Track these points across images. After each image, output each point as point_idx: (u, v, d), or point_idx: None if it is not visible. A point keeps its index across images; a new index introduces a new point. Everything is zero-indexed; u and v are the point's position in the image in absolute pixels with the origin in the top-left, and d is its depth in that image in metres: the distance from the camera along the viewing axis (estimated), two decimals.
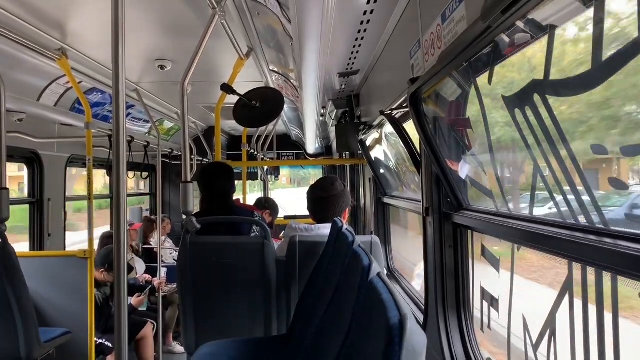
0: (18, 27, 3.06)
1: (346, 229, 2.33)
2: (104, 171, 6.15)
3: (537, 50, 1.19)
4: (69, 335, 3.55)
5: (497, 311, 1.86)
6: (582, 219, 1.16)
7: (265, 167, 8.39)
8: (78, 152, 5.24)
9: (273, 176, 9.48)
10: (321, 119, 5.17)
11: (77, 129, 4.83)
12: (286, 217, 7.37)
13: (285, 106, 4.15)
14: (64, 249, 5.02)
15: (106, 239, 5.39)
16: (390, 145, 3.37)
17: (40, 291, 3.85)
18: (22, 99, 3.94)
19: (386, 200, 3.71)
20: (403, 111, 2.68)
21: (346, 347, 1.34)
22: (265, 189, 9.88)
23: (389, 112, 2.61)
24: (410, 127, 2.65)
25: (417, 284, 3.47)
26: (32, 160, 4.70)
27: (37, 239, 4.74)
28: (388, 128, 3.19)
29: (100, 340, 4.42)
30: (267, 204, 5.29)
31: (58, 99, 4.40)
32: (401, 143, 2.57)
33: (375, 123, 3.16)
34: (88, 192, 3.75)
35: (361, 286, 1.44)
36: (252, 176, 9.08)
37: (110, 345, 4.41)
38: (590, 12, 0.91)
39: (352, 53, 2.99)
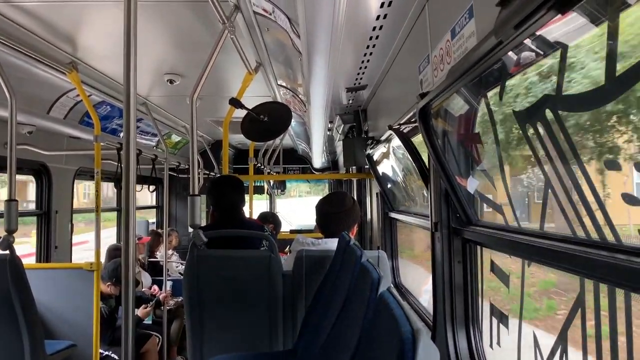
0: (29, 41, 3.10)
1: (353, 243, 2.33)
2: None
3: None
4: (74, 347, 3.54)
5: (507, 328, 1.84)
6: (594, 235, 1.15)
7: (272, 182, 8.40)
8: (86, 165, 5.27)
9: (279, 190, 9.49)
10: (328, 133, 5.19)
11: (85, 141, 4.87)
12: (292, 231, 7.36)
13: (292, 121, 4.16)
14: (71, 262, 5.03)
15: (113, 251, 5.40)
16: (397, 160, 3.37)
17: (46, 303, 3.84)
18: (32, 112, 3.98)
19: (393, 215, 3.70)
20: (411, 126, 2.69)
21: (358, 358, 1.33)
22: (271, 203, 9.90)
23: (397, 126, 2.62)
24: (418, 141, 2.66)
25: (424, 299, 3.44)
26: (40, 172, 4.73)
27: (44, 251, 4.75)
28: (396, 143, 3.19)
29: (107, 353, 4.40)
30: (271, 219, 5.31)
31: (67, 112, 4.45)
32: (409, 158, 2.57)
33: (383, 138, 3.17)
34: (96, 204, 3.77)
35: (370, 301, 1.43)
36: (259, 190, 9.09)
37: (116, 357, 4.38)
38: (603, 28, 0.92)
39: (360, 68, 3.01)
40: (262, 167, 7.01)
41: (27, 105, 3.84)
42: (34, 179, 4.83)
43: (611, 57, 0.90)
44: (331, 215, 3.00)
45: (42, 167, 4.68)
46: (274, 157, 7.27)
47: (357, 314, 1.56)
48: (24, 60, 3.30)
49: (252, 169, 5.57)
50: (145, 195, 7.91)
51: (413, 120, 2.63)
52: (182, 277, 6.18)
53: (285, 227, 8.09)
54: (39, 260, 4.75)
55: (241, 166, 8.62)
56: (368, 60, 2.87)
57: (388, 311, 1.11)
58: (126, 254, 1.76)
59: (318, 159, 7.46)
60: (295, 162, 9.39)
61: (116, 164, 4.63)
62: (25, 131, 4.18)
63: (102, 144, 3.93)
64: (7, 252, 2.86)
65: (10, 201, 2.85)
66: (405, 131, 2.69)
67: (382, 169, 3.84)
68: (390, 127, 2.62)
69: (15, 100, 3.02)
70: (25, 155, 4.30)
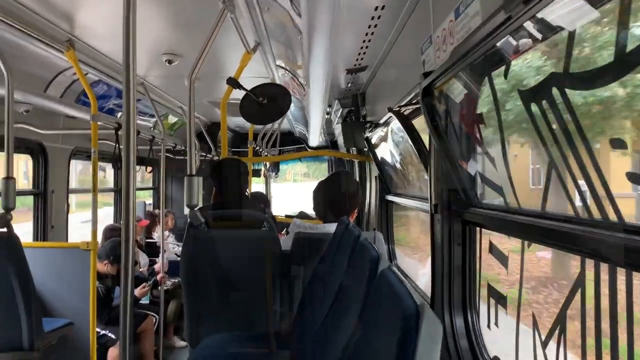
0: (26, 18, 3.06)
1: (352, 225, 2.34)
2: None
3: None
4: (71, 326, 3.55)
5: (505, 309, 1.85)
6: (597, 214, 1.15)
7: (268, 165, 8.36)
8: (83, 145, 5.24)
9: (274, 173, 9.48)
10: (327, 117, 5.16)
11: (82, 121, 4.83)
12: (287, 217, 7.35)
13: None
14: (67, 241, 5.02)
15: (109, 231, 5.39)
16: (395, 144, 3.37)
17: (43, 281, 3.84)
18: (28, 90, 3.93)
19: (390, 197, 3.71)
20: (411, 108, 2.68)
21: (356, 338, 1.34)
22: (267, 186, 9.91)
23: (397, 108, 2.60)
24: (418, 123, 2.65)
25: (421, 283, 3.47)
26: (37, 151, 4.70)
27: (41, 231, 4.74)
28: (395, 125, 3.18)
29: (103, 332, 4.42)
30: (260, 198, 5.33)
31: (64, 90, 4.41)
32: (408, 140, 2.56)
33: (382, 120, 3.16)
34: (93, 185, 3.75)
35: (370, 278, 1.44)
36: (256, 173, 9.07)
37: (113, 336, 4.40)
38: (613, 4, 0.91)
39: (362, 48, 2.98)
40: (260, 149, 6.99)
41: (24, 83, 3.80)
42: None
43: (621, 35, 0.89)
44: (332, 200, 2.96)
45: (38, 146, 4.65)
46: (271, 140, 7.24)
47: (356, 292, 1.57)
48: (21, 37, 3.25)
49: (251, 152, 5.55)
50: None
51: (414, 101, 2.62)
52: (178, 258, 6.22)
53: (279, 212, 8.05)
54: (35, 240, 4.74)
55: (237, 149, 8.59)
56: (369, 40, 2.84)
57: (389, 288, 1.12)
58: (126, 235, 1.75)
59: (315, 140, 7.43)
60: (291, 143, 9.33)
61: (113, 144, 4.60)
62: (22, 110, 4.14)
63: (99, 123, 3.90)
64: (5, 229, 2.86)
65: (8, 179, 2.83)
66: (405, 113, 2.68)
67: (380, 152, 3.84)
68: (390, 109, 2.61)
69: (12, 78, 2.98)
70: (22, 134, 4.27)
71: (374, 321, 1.21)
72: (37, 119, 4.37)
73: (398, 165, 3.48)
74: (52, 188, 4.80)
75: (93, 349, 3.73)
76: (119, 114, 5.68)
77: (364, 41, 2.84)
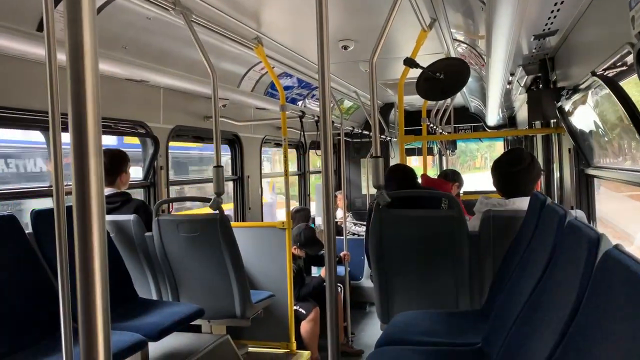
0: (222, 21, 3.39)
1: (551, 202, 2.18)
2: None
3: None
4: (273, 298, 3.90)
5: None
6: None
7: (443, 142, 8.17)
8: (270, 133, 5.71)
9: (450, 150, 9.18)
10: (508, 87, 4.85)
11: (269, 112, 5.25)
12: (465, 193, 7.11)
13: None
14: (262, 220, 5.55)
15: (295, 212, 5.74)
16: (598, 111, 3.02)
17: (247, 257, 4.27)
18: (226, 87, 4.38)
19: (591, 171, 3.34)
20: (617, 70, 2.37)
21: (577, 326, 1.24)
22: (440, 163, 9.71)
23: (601, 72, 2.33)
24: (628, 87, 2.35)
25: None
26: (234, 141, 5.24)
27: (240, 211, 5.30)
28: (597, 91, 2.85)
29: (295, 307, 4.75)
30: (452, 176, 5.19)
31: (254, 84, 4.83)
32: (618, 107, 2.28)
33: (583, 86, 2.85)
34: (285, 169, 4.08)
35: (587, 263, 1.32)
36: (428, 151, 8.94)
37: (304, 311, 4.70)
38: None
39: (552, 12, 2.72)
40: (434, 127, 6.87)
41: (222, 80, 4.25)
42: None
43: None
44: (511, 174, 2.87)
45: (234, 136, 5.17)
46: (445, 117, 7.06)
47: (567, 278, 1.46)
48: (218, 39, 3.64)
49: (425, 130, 5.49)
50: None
51: (619, 64, 2.32)
52: (354, 236, 6.45)
53: None
54: (235, 219, 5.31)
55: (409, 128, 8.53)
56: (562, 2, 2.58)
57: (622, 270, 1.01)
58: (328, 212, 1.86)
59: (493, 116, 7.02)
60: (466, 120, 8.94)
61: (297, 131, 4.91)
62: (220, 105, 4.64)
63: (288, 113, 4.19)
64: (217, 211, 3.25)
65: (218, 167, 3.21)
66: (610, 76, 2.38)
67: (576, 121, 3.47)
68: (594, 74, 2.34)
69: (217, 78, 3.32)
70: (221, 126, 4.80)
71: (599, 308, 1.11)
72: (232, 112, 4.86)
73: (601, 135, 3.12)
74: (248, 174, 5.32)
75: (291, 320, 4.08)
76: (300, 102, 6.06)
77: (555, 4, 2.59)
